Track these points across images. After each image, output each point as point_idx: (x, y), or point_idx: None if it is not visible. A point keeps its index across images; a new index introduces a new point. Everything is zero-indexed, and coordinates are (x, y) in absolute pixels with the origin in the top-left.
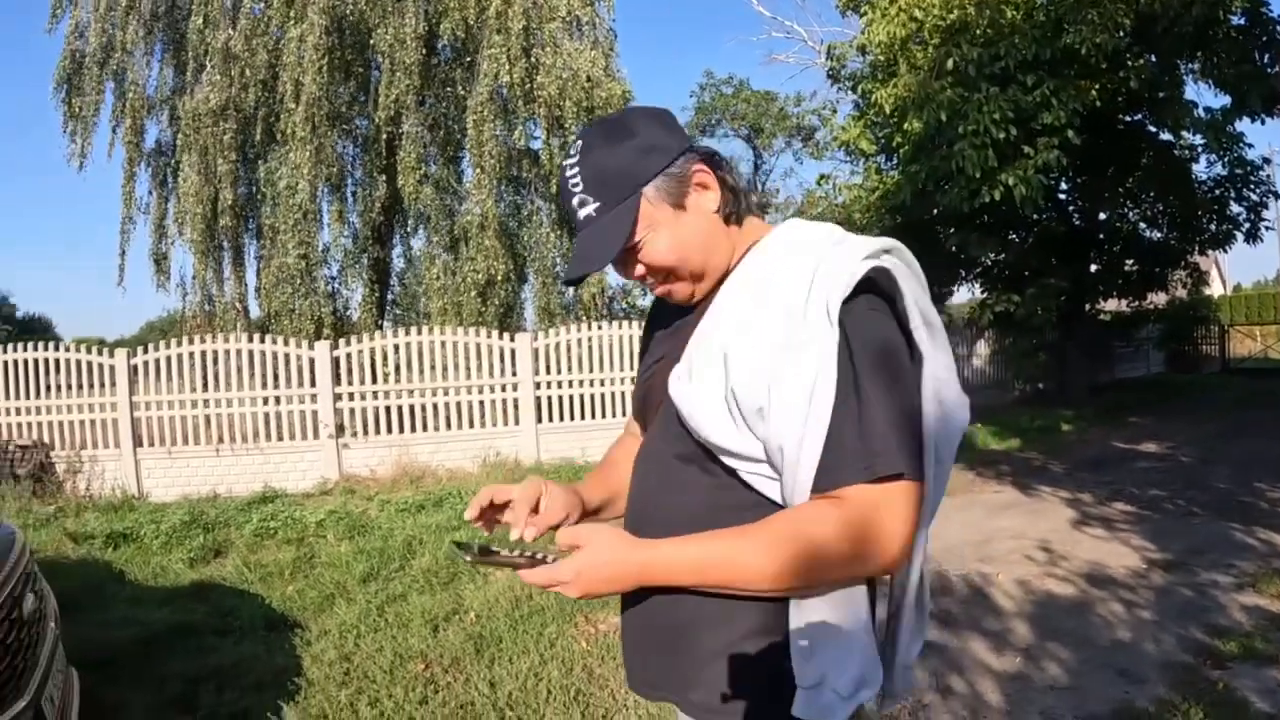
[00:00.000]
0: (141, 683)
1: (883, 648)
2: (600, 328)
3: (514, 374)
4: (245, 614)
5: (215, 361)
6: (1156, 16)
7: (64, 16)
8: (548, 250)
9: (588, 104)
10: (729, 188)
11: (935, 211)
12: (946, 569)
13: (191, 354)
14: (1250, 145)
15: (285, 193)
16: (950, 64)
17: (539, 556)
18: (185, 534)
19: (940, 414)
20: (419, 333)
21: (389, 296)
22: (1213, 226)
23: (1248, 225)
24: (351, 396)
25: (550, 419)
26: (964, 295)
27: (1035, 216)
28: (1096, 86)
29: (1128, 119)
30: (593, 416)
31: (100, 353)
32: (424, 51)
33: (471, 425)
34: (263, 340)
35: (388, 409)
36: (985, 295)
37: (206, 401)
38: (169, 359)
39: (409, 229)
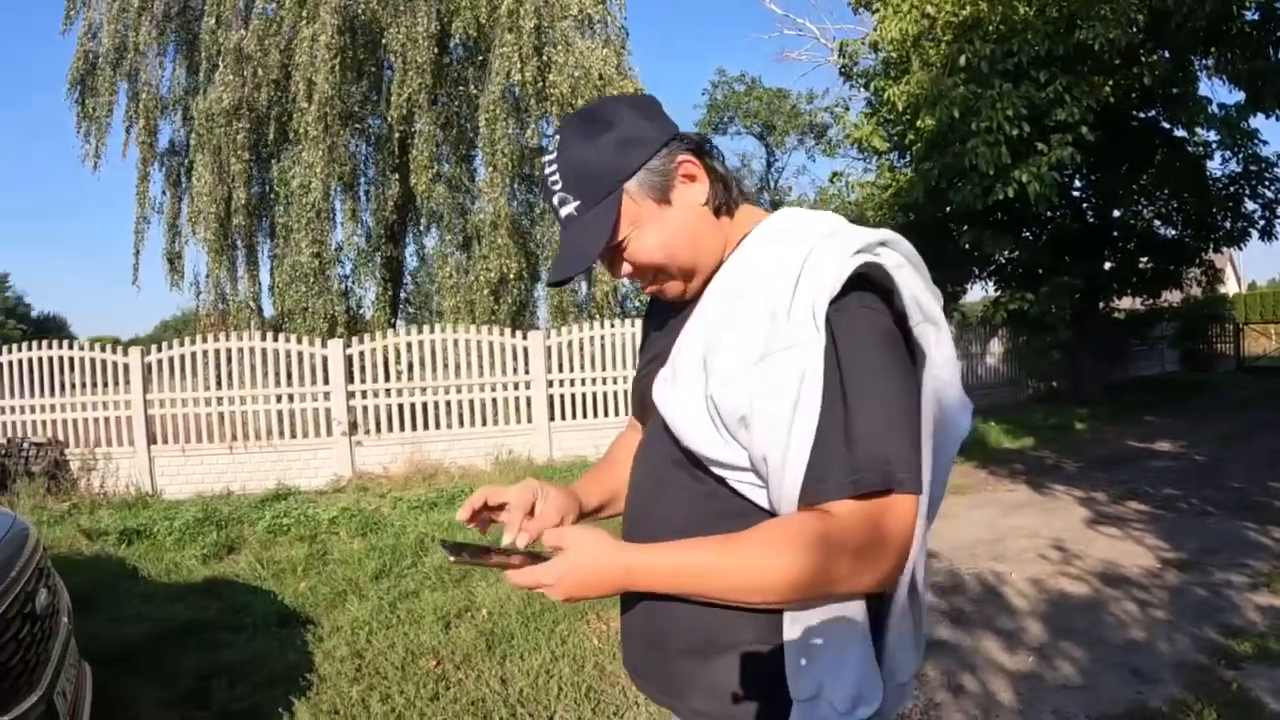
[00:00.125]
0: (154, 678)
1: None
2: (613, 326)
3: (527, 372)
4: (258, 610)
5: (229, 360)
6: (1170, 12)
7: (77, 18)
8: None
9: None
10: (719, 178)
11: (948, 209)
12: (959, 567)
13: (205, 352)
14: (1265, 142)
15: (298, 192)
16: (963, 60)
17: (528, 557)
18: (198, 531)
19: (940, 419)
20: (432, 331)
21: (402, 295)
22: (1227, 224)
23: (1262, 222)
24: (364, 394)
25: (563, 417)
26: (977, 293)
27: (1049, 214)
28: (1110, 83)
29: (1141, 115)
30: (605, 414)
31: (115, 351)
32: (436, 50)
33: (484, 423)
34: (276, 338)
35: (400, 407)
36: (999, 293)
37: (220, 399)
38: (183, 357)
39: (422, 227)
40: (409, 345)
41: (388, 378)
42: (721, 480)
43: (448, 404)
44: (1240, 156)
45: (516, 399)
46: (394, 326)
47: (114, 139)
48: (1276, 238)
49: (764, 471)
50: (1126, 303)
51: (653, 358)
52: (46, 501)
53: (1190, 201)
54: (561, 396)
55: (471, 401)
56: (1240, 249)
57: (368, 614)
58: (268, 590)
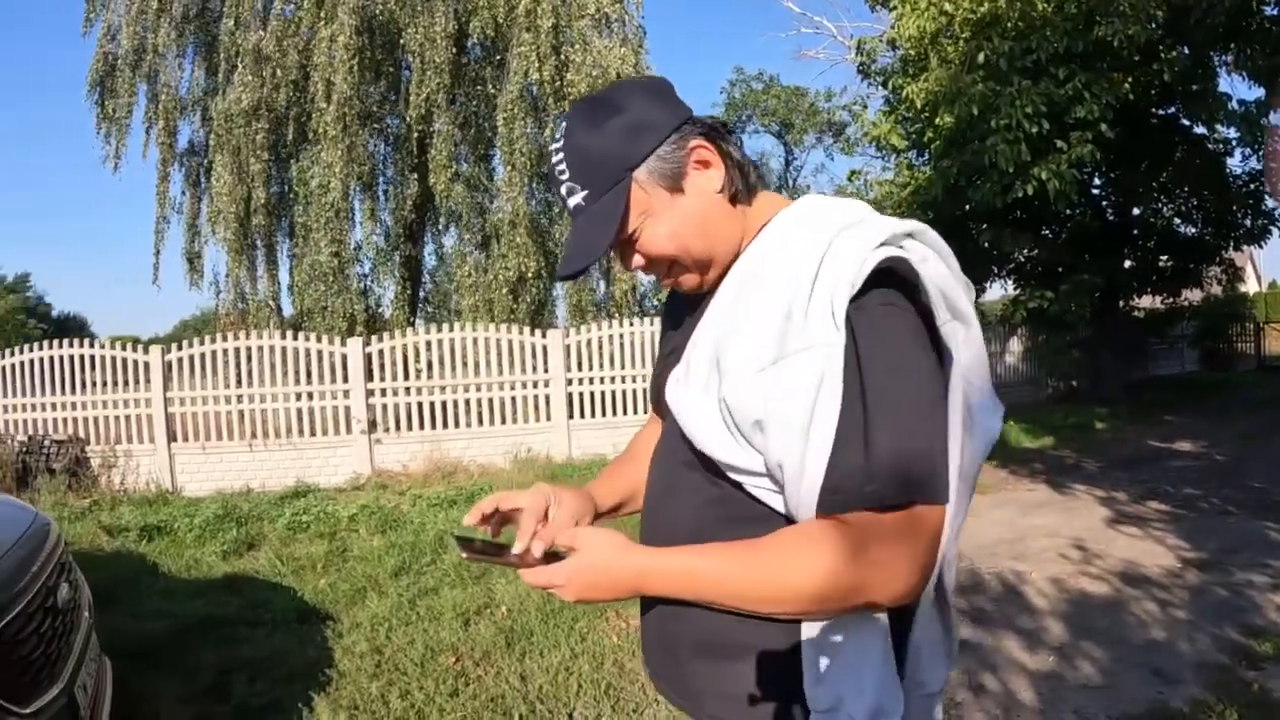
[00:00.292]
0: (174, 672)
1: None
2: (632, 324)
3: (545, 370)
4: (277, 606)
5: (248, 358)
6: (1189, 8)
7: (97, 20)
8: None
9: None
10: (735, 163)
11: (967, 207)
12: (980, 566)
13: (225, 351)
14: None
15: (317, 191)
16: (981, 58)
17: (542, 556)
18: (218, 528)
19: (969, 422)
20: (451, 329)
21: (421, 294)
22: (1248, 222)
23: None
24: (384, 393)
25: (582, 415)
26: (997, 292)
27: (1068, 211)
28: (1129, 79)
29: (1161, 112)
30: (624, 412)
31: (135, 350)
32: (454, 50)
33: (503, 421)
34: (296, 337)
35: (420, 405)
36: (1018, 292)
37: (240, 397)
38: (203, 355)
39: (440, 226)
40: (428, 344)
41: (407, 376)
42: (738, 485)
43: (467, 402)
44: (1260, 153)
45: (535, 397)
46: (413, 325)
47: (134, 140)
48: None
49: (779, 477)
50: (1146, 301)
51: (670, 352)
52: (67, 498)
53: (1210, 199)
54: (580, 395)
55: (490, 400)
56: (1261, 247)
57: (387, 610)
58: (287, 586)
